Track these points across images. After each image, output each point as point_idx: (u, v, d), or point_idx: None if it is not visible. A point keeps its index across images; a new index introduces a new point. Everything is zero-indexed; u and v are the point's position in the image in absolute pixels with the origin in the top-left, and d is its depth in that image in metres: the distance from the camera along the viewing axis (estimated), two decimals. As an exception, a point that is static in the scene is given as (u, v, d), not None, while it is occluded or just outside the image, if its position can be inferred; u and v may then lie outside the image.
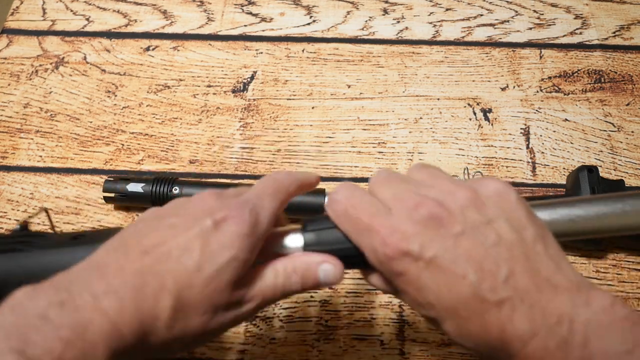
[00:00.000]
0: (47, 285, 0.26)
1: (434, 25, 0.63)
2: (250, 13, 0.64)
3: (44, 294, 0.25)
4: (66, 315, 0.24)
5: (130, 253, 0.27)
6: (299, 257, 0.31)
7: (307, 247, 0.31)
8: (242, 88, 0.59)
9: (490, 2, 0.65)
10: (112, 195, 0.49)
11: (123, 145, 0.55)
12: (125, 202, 0.49)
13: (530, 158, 0.54)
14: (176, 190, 0.48)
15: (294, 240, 0.32)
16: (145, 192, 0.48)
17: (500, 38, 0.62)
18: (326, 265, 0.31)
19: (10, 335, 0.23)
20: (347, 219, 0.29)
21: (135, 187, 0.48)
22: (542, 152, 0.54)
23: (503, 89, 0.58)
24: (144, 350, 0.26)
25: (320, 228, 0.31)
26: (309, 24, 0.63)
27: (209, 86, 0.59)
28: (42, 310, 0.24)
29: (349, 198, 0.30)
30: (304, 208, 0.46)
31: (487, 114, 0.57)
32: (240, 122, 0.56)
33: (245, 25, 0.63)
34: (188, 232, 0.28)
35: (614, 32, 0.62)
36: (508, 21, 0.63)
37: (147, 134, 0.56)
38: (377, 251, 0.28)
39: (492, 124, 0.56)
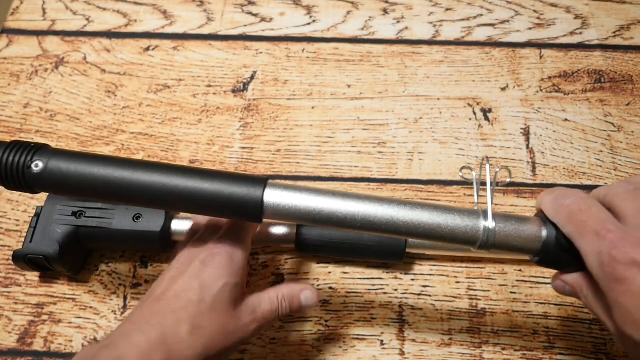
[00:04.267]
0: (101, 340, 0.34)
1: (434, 25, 0.63)
2: (250, 13, 0.64)
3: (97, 344, 0.32)
4: (107, 353, 0.31)
5: (146, 302, 0.35)
6: (284, 286, 0.38)
7: None
8: (242, 88, 0.59)
9: (490, 2, 0.65)
10: None
11: (123, 145, 0.55)
12: None
13: (530, 158, 0.54)
14: (37, 166, 0.33)
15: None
16: None
17: (500, 38, 0.62)
18: (306, 292, 0.39)
19: None
20: (571, 220, 0.30)
21: None
22: (542, 152, 0.54)
23: (503, 89, 0.58)
24: None
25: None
26: (309, 24, 0.63)
27: (209, 86, 0.59)
28: (94, 352, 0.31)
29: (576, 202, 0.30)
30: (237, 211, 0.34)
31: (487, 114, 0.57)
32: (240, 122, 0.56)
33: (245, 25, 0.63)
34: (185, 276, 0.35)
35: (614, 32, 0.62)
36: (508, 21, 0.63)
37: (147, 134, 0.56)
38: (602, 254, 0.27)
39: (492, 124, 0.56)
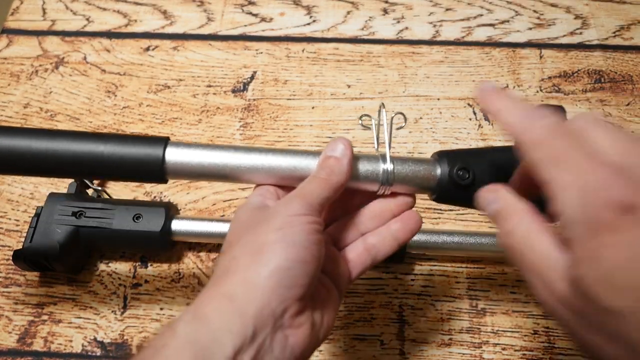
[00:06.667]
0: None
1: (434, 25, 0.63)
2: (250, 13, 0.64)
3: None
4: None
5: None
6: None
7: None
8: (242, 88, 0.59)
9: (490, 2, 0.65)
10: None
11: (123, 145, 0.55)
12: None
13: (530, 158, 0.54)
14: None
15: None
16: None
17: (500, 38, 0.62)
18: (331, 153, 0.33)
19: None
20: (545, 143, 0.23)
21: None
22: (542, 152, 0.54)
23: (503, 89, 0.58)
24: None
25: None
26: (309, 24, 0.63)
27: (209, 86, 0.59)
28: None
29: (556, 125, 0.24)
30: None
31: (487, 114, 0.57)
32: (240, 122, 0.56)
33: (245, 25, 0.63)
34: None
35: (614, 32, 0.62)
36: (508, 21, 0.63)
37: (147, 134, 0.56)
38: (587, 190, 0.20)
39: (492, 124, 0.56)
